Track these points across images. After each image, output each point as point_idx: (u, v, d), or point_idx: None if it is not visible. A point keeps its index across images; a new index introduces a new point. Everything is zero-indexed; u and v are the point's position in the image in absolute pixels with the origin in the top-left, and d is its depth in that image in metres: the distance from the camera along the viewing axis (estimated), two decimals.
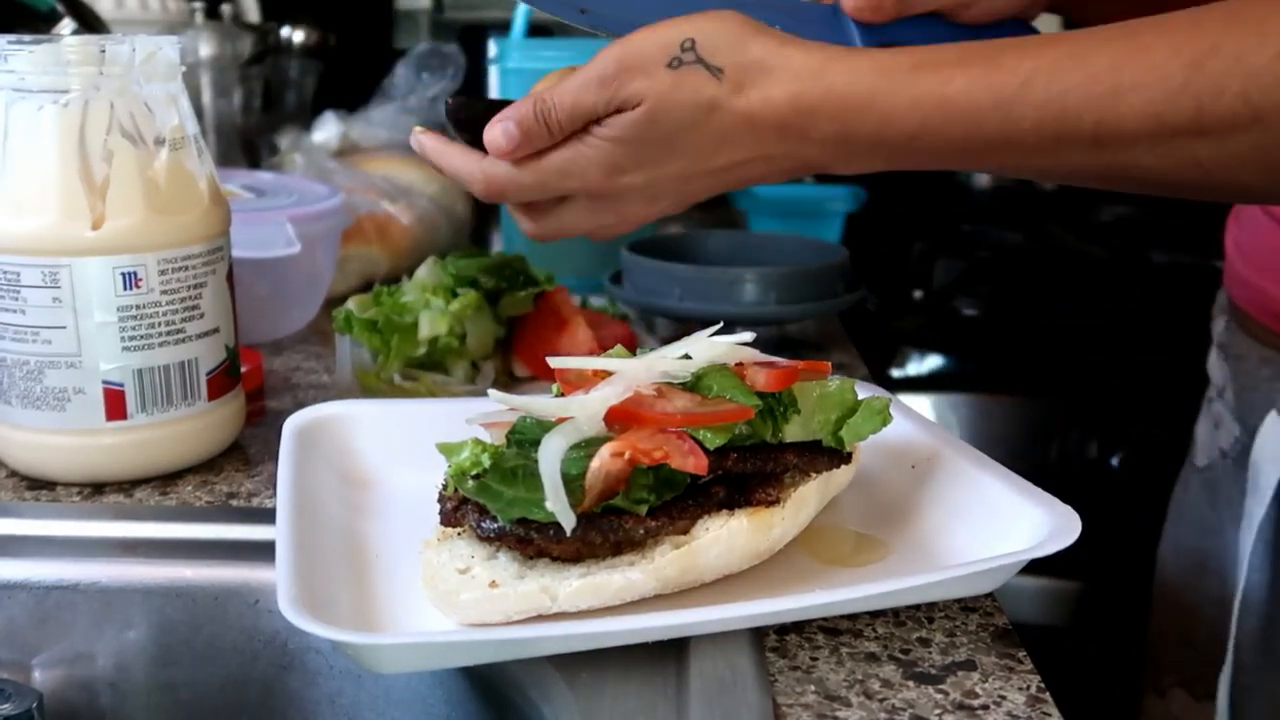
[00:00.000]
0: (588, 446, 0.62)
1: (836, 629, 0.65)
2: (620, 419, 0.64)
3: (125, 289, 0.80)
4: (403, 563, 0.69)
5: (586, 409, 0.63)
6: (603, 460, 0.61)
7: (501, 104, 0.77)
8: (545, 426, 0.64)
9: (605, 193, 0.78)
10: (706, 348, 0.70)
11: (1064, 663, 1.71)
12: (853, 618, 0.66)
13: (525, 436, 0.65)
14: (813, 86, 0.71)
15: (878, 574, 0.70)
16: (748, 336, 0.71)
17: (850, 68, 0.71)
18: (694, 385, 0.67)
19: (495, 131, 0.76)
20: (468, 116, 0.80)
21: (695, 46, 0.72)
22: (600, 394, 0.64)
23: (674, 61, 0.72)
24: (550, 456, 0.61)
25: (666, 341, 0.72)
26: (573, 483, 0.61)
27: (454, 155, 0.81)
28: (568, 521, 0.60)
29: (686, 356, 0.69)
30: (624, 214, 0.80)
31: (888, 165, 0.75)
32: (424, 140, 0.83)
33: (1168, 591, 1.16)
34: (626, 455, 0.61)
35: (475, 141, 0.79)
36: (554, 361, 0.69)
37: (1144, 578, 1.63)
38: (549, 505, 0.60)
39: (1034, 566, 0.65)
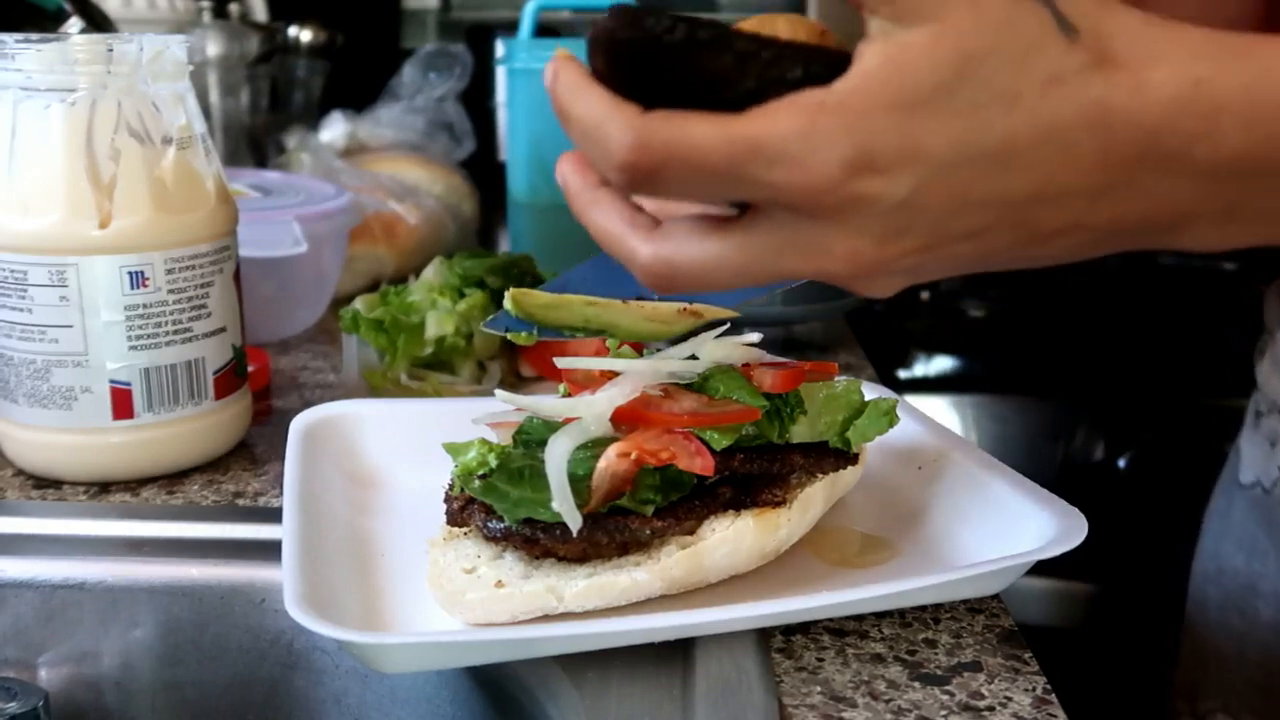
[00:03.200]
0: (594, 447, 0.62)
1: (843, 630, 0.65)
2: (627, 419, 0.64)
3: (132, 288, 0.80)
4: (409, 562, 0.69)
5: (593, 409, 0.63)
6: (609, 461, 0.61)
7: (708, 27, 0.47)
8: (552, 427, 0.64)
9: (821, 202, 0.47)
10: (713, 348, 0.69)
11: (1071, 664, 1.71)
12: (859, 618, 0.66)
13: (532, 437, 0.65)
14: (1228, 71, 0.45)
15: (884, 575, 0.70)
16: (754, 337, 0.71)
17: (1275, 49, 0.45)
18: (700, 386, 0.67)
19: None
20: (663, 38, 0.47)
21: None
22: (607, 394, 0.64)
23: None
24: (556, 457, 0.61)
25: (674, 342, 0.71)
26: (579, 483, 0.61)
27: (596, 99, 0.49)
28: (574, 523, 0.60)
29: (693, 357, 0.69)
30: (831, 252, 0.49)
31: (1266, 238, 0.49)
32: (560, 71, 0.51)
33: (1209, 612, 1.12)
34: (633, 456, 0.61)
35: (646, 85, 0.48)
36: (561, 362, 0.69)
37: (1154, 581, 1.62)
38: (555, 506, 0.60)
39: (1041, 568, 0.65)
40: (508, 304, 0.66)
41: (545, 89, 0.52)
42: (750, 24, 0.52)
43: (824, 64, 0.46)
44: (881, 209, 0.47)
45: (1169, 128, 0.45)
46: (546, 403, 0.65)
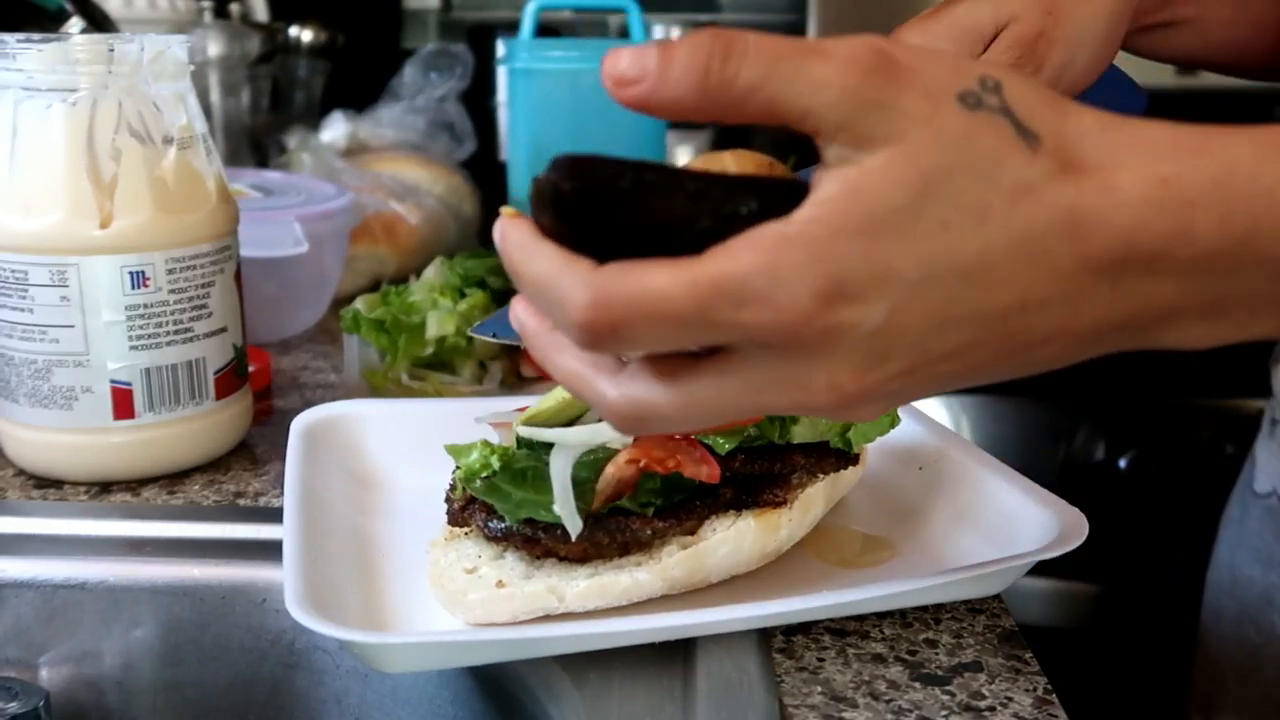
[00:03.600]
0: (598, 449, 0.62)
1: (843, 630, 0.65)
2: None
3: (133, 288, 0.80)
4: (410, 562, 0.69)
5: (616, 431, 0.63)
6: (617, 466, 0.61)
7: (641, 169, 0.45)
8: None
9: (796, 338, 0.44)
10: None
11: (1072, 665, 1.71)
12: (860, 619, 0.66)
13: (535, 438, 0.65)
14: (1195, 165, 0.44)
15: (885, 575, 0.70)
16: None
17: (1252, 140, 0.45)
18: None
19: (621, 54, 0.44)
20: (582, 188, 0.46)
21: (1003, 90, 0.44)
22: None
23: (969, 97, 0.43)
24: (562, 463, 0.61)
25: None
26: (583, 485, 0.61)
27: (546, 257, 0.46)
28: (574, 526, 0.60)
29: None
30: (809, 386, 0.46)
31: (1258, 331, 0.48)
32: (507, 230, 0.49)
33: (1224, 624, 1.11)
34: (641, 463, 0.61)
35: (596, 236, 0.46)
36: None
37: (1156, 581, 1.62)
38: (556, 509, 0.60)
39: (1042, 568, 0.65)
40: (518, 431, 0.65)
41: (496, 244, 0.50)
42: (696, 164, 0.50)
43: (779, 195, 0.44)
44: (859, 337, 0.44)
45: (1143, 228, 0.44)
46: (571, 433, 0.63)
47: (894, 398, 0.48)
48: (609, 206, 0.45)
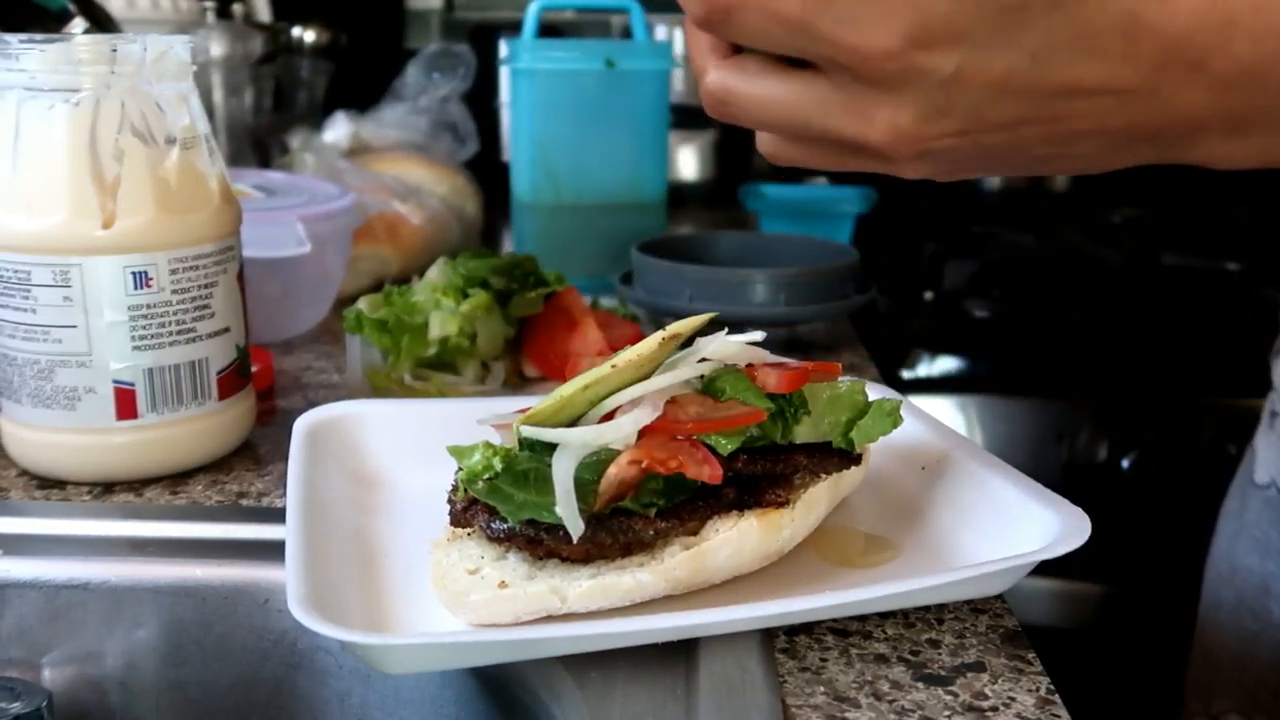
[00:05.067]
0: (600, 451, 0.62)
1: (846, 630, 0.65)
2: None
3: (136, 288, 0.80)
4: (412, 563, 0.69)
5: (621, 433, 0.63)
6: (619, 467, 0.61)
7: None
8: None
9: (873, 67, 0.50)
10: (718, 349, 0.69)
11: (1075, 665, 1.71)
12: (862, 619, 0.66)
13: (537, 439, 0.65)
14: None
15: (888, 575, 0.70)
16: (757, 336, 0.71)
17: None
18: (705, 387, 0.67)
19: None
20: None
21: None
22: (632, 418, 0.64)
23: None
24: (564, 465, 0.61)
25: (682, 346, 0.71)
26: (585, 486, 0.61)
27: None
28: (576, 528, 0.60)
29: (704, 360, 0.68)
30: (873, 118, 0.52)
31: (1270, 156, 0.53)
32: None
33: (1222, 612, 1.12)
34: (643, 464, 0.61)
35: None
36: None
37: (1159, 581, 1.62)
38: (558, 510, 0.60)
39: (1044, 568, 0.65)
40: (519, 431, 0.65)
41: None
42: None
43: None
44: (928, 84, 0.50)
45: (1188, 39, 0.48)
46: (575, 434, 0.64)
47: (940, 159, 0.54)
48: None
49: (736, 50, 0.56)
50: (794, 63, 0.54)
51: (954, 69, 0.49)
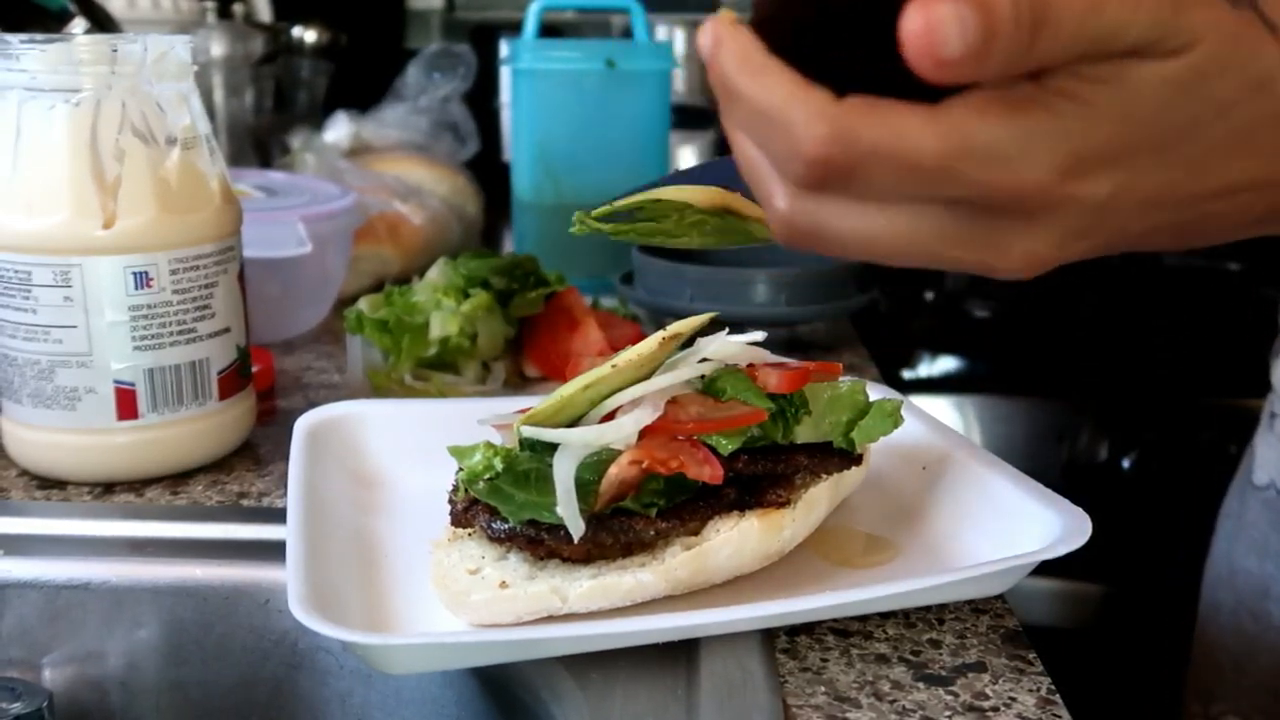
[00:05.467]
0: (601, 451, 0.62)
1: (847, 630, 0.65)
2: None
3: (136, 288, 0.80)
4: (413, 563, 0.69)
5: (622, 433, 0.63)
6: (620, 467, 0.61)
7: None
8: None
9: (1021, 204, 0.45)
10: (719, 349, 0.69)
11: (1076, 665, 1.71)
12: (863, 619, 0.66)
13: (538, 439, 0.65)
14: None
15: (888, 575, 0.70)
16: (758, 336, 0.71)
17: None
18: (706, 388, 0.67)
19: (942, 15, 0.39)
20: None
21: None
22: (633, 418, 0.64)
23: None
24: (565, 465, 0.61)
25: (682, 346, 0.71)
26: (586, 486, 0.61)
27: (776, 80, 0.44)
28: (576, 529, 0.60)
29: (705, 360, 0.68)
30: (1008, 250, 0.47)
31: None
32: (725, 40, 0.45)
33: (1221, 615, 1.11)
34: (644, 464, 0.61)
35: (831, 62, 0.44)
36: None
37: (1159, 581, 1.62)
38: (559, 510, 0.60)
39: (1045, 568, 0.65)
40: (519, 431, 0.65)
41: (703, 56, 0.46)
42: None
43: None
44: (1076, 212, 0.45)
45: None
46: (575, 434, 0.64)
47: (1067, 261, 0.49)
48: (856, 12, 0.42)
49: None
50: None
51: (1109, 194, 0.45)
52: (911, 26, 0.39)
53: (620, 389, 0.65)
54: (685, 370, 0.67)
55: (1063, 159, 0.43)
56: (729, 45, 0.45)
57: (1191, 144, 0.44)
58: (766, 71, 0.44)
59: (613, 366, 0.65)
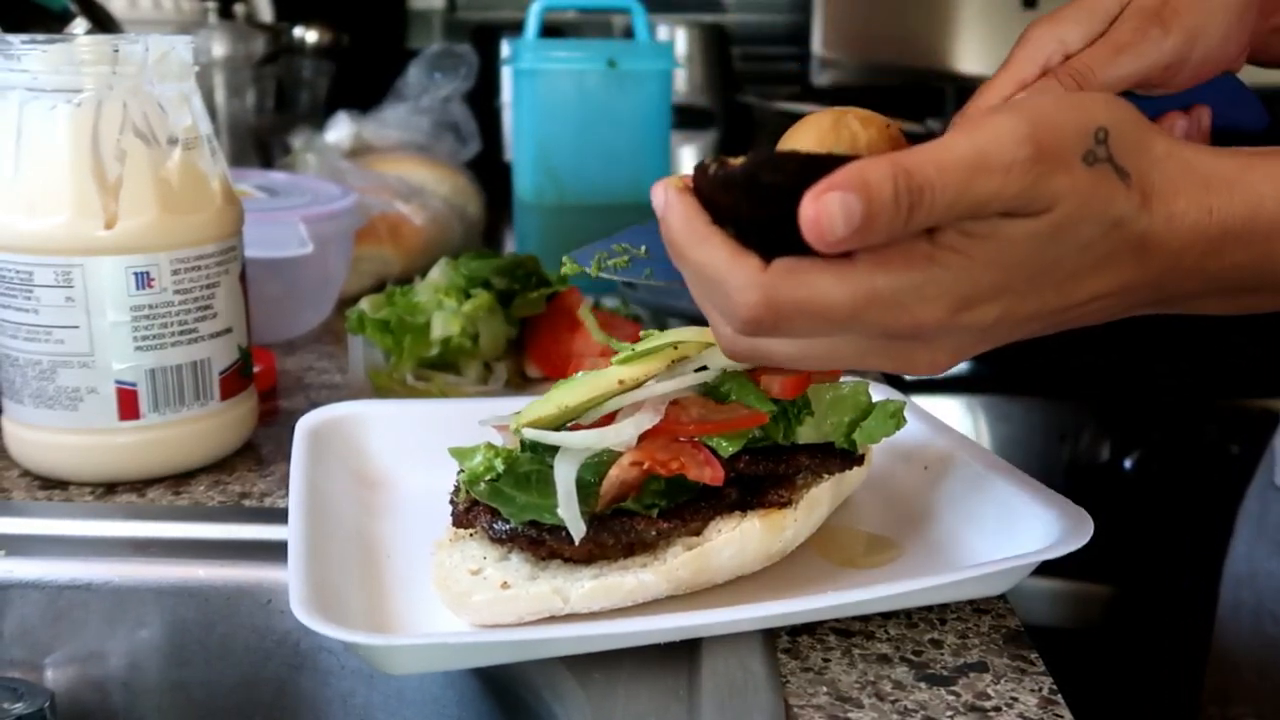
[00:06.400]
0: (603, 453, 0.62)
1: (848, 630, 0.65)
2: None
3: (138, 288, 0.80)
4: (414, 563, 0.69)
5: (622, 437, 0.63)
6: (621, 468, 0.61)
7: (823, 164, 0.49)
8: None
9: (921, 334, 0.54)
10: (722, 356, 0.69)
11: (1078, 665, 1.71)
12: (865, 619, 0.66)
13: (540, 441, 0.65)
14: (1232, 201, 0.54)
15: (890, 575, 0.70)
16: None
17: (1273, 180, 0.55)
18: (709, 391, 0.67)
19: (829, 205, 0.47)
20: (767, 183, 0.50)
21: (1108, 139, 0.52)
22: (634, 421, 0.64)
23: (1089, 156, 0.51)
24: (566, 468, 0.61)
25: None
26: (587, 488, 0.61)
27: (715, 248, 0.53)
28: (577, 530, 0.60)
29: (703, 368, 0.68)
30: (913, 361, 0.56)
31: (1267, 307, 0.60)
32: (673, 205, 0.55)
33: (1242, 617, 1.11)
34: (645, 466, 0.61)
35: (757, 232, 0.52)
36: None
37: (1161, 581, 1.62)
38: (560, 512, 0.60)
39: (1047, 568, 0.65)
40: (516, 430, 0.65)
41: (656, 213, 0.56)
42: (825, 121, 0.62)
43: None
44: (969, 334, 0.54)
45: (1188, 250, 0.54)
46: (576, 437, 0.64)
47: (967, 355, 0.58)
48: (774, 194, 0.49)
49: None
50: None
51: (995, 318, 0.53)
52: (805, 214, 0.47)
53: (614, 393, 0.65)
54: (687, 376, 0.67)
55: (951, 301, 0.52)
56: (676, 210, 0.54)
57: (1058, 274, 0.53)
58: (707, 241, 0.53)
59: (619, 382, 0.64)
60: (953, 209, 0.49)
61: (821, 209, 0.47)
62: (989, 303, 0.53)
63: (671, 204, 0.54)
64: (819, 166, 0.48)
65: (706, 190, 0.53)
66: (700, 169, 0.53)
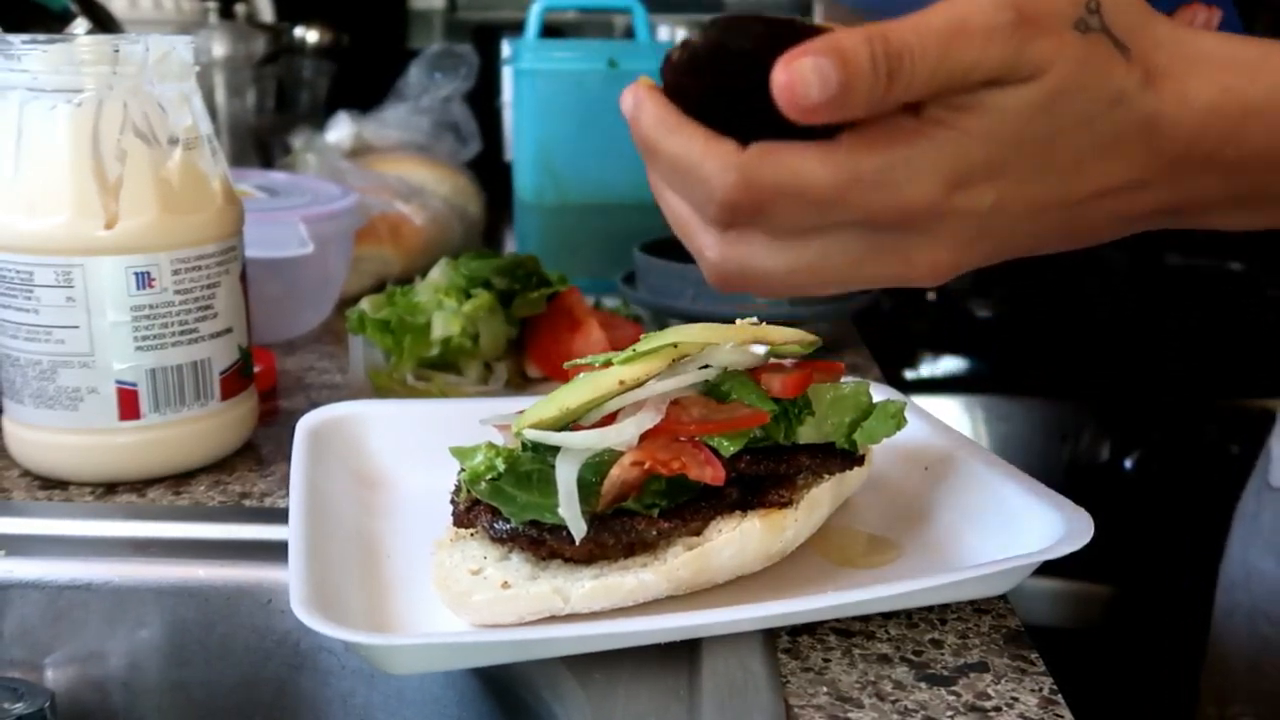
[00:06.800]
0: (604, 452, 0.62)
1: (849, 630, 0.65)
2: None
3: (138, 288, 0.80)
4: (415, 563, 0.69)
5: (623, 437, 0.63)
6: (622, 468, 0.61)
7: (789, 28, 0.48)
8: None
9: (914, 220, 0.50)
10: (724, 355, 0.69)
11: (1079, 665, 1.71)
12: (865, 619, 0.66)
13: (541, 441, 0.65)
14: (1255, 81, 0.51)
15: (890, 575, 0.70)
16: (760, 350, 0.71)
17: None
18: (710, 391, 0.67)
19: (802, 69, 0.45)
20: (735, 51, 0.48)
21: (1101, 9, 0.49)
22: (635, 420, 0.63)
23: (1080, 24, 0.49)
24: (567, 468, 0.61)
25: None
26: (588, 487, 0.61)
27: (689, 136, 0.51)
28: (578, 530, 0.60)
29: (705, 366, 0.68)
30: (912, 261, 0.52)
31: None
32: (643, 102, 0.52)
33: (1237, 617, 1.11)
34: (645, 465, 0.61)
35: (730, 111, 0.50)
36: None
37: (1162, 581, 1.62)
38: (561, 512, 0.60)
39: (1048, 568, 0.65)
40: (518, 433, 0.65)
41: (624, 117, 0.53)
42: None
43: None
44: (966, 222, 0.51)
45: (1204, 132, 0.50)
46: (577, 437, 0.64)
47: (971, 267, 0.54)
48: (742, 62, 0.48)
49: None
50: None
51: (993, 204, 0.50)
52: (778, 79, 0.45)
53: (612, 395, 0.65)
54: (688, 375, 0.67)
55: (944, 177, 0.49)
56: (647, 107, 0.52)
57: (1059, 153, 0.50)
58: (681, 129, 0.51)
59: (620, 382, 0.64)
60: (934, 77, 0.47)
61: (794, 74, 0.45)
62: (984, 182, 0.50)
63: (641, 102, 0.52)
64: (789, 32, 0.47)
65: (675, 80, 0.51)
66: (665, 60, 0.51)
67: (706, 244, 0.54)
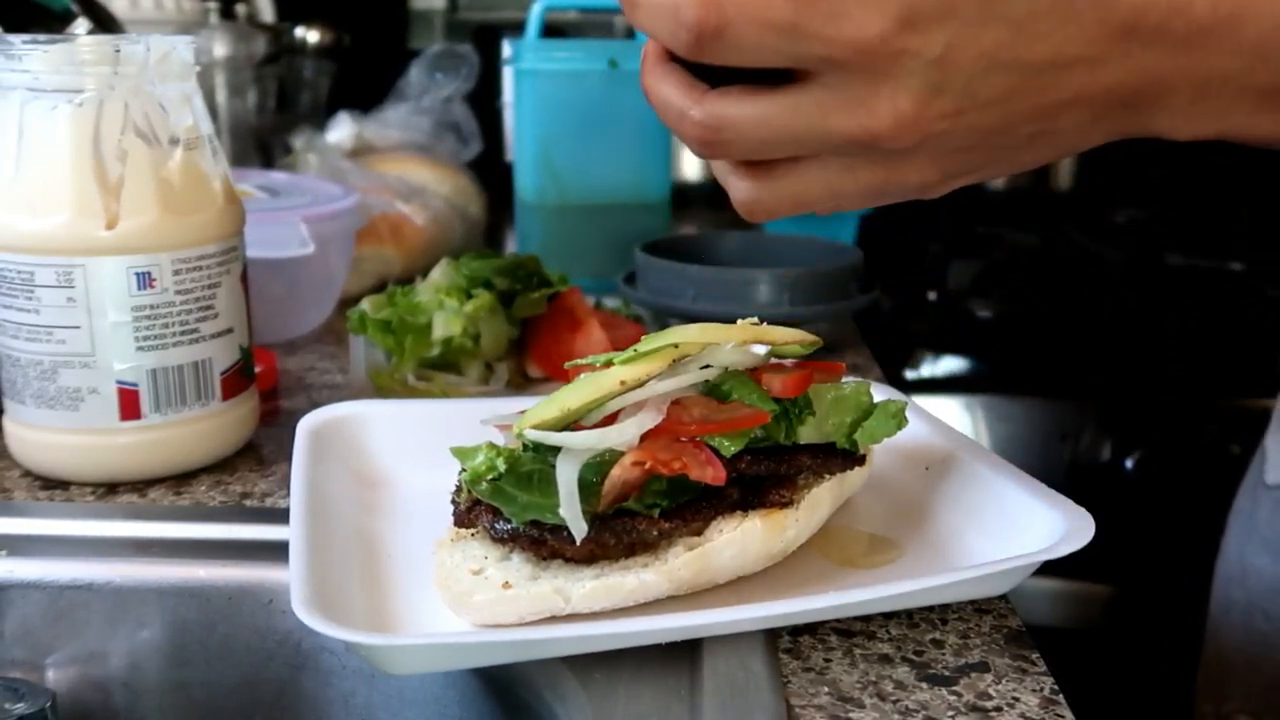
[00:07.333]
0: (605, 452, 0.62)
1: (850, 630, 0.65)
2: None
3: (139, 289, 0.81)
4: (416, 563, 0.69)
5: (624, 437, 0.63)
6: (623, 468, 0.61)
7: None
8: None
9: (869, 57, 0.52)
10: (724, 355, 0.69)
11: (1080, 665, 1.71)
12: (866, 619, 0.66)
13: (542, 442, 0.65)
14: None
15: (891, 575, 0.70)
16: (761, 350, 0.71)
17: None
18: (710, 391, 0.67)
19: None
20: None
21: None
22: (636, 421, 0.63)
23: None
24: (568, 468, 0.61)
25: None
26: (589, 487, 0.61)
27: None
28: (579, 530, 0.60)
29: (706, 366, 0.68)
30: (874, 110, 0.54)
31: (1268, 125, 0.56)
32: None
33: (1233, 614, 1.12)
34: (646, 465, 0.61)
35: None
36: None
37: (1162, 581, 1.62)
38: (562, 512, 0.60)
39: (1048, 568, 0.65)
40: (519, 434, 0.65)
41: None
42: None
43: None
44: (920, 64, 0.52)
45: (1151, 4, 0.51)
46: (577, 437, 0.64)
47: (942, 143, 0.55)
48: None
49: (712, 86, 0.56)
50: (777, 83, 0.55)
51: (944, 46, 0.51)
52: None
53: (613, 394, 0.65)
54: (688, 375, 0.67)
55: (897, 9, 0.50)
56: None
57: (1010, 6, 0.51)
58: None
59: (621, 382, 0.64)
60: None
61: None
62: (936, 21, 0.51)
63: None
64: None
65: None
66: None
67: (687, 107, 0.57)
